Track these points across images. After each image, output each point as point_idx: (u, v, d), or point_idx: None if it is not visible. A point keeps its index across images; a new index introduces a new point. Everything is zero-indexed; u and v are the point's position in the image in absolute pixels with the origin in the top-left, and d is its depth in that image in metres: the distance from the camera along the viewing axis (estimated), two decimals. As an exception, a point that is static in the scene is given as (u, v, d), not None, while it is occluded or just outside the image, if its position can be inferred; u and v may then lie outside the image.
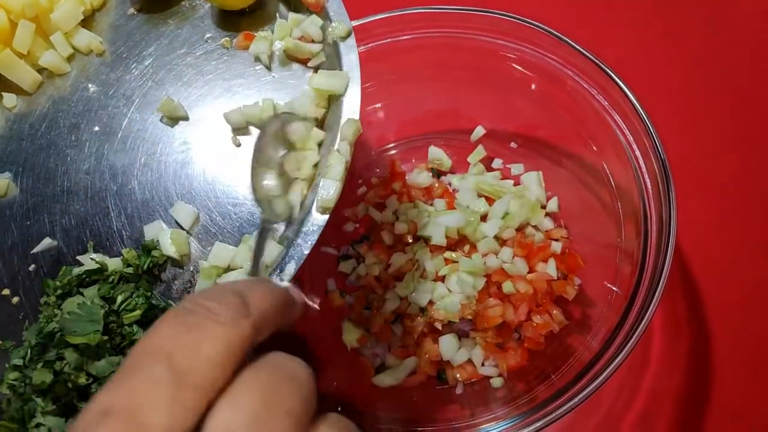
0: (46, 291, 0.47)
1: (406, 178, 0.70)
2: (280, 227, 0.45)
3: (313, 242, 0.42)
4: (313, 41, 0.49)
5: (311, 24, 0.49)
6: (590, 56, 0.57)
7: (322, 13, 0.49)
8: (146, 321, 0.44)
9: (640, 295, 0.49)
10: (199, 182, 0.49)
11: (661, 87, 0.73)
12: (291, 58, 0.50)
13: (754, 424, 0.58)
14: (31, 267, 0.49)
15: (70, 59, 0.55)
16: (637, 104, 0.54)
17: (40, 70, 0.54)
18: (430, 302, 0.59)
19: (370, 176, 0.71)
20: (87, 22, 0.55)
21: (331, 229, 0.68)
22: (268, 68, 0.50)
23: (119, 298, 0.44)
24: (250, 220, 0.47)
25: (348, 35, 0.48)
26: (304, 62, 0.50)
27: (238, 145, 0.49)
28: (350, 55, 0.48)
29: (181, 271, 0.47)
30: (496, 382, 0.58)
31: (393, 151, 0.73)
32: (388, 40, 0.64)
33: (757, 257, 0.64)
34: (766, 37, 0.76)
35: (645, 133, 0.53)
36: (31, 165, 0.52)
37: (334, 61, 0.48)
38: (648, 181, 0.53)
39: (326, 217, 0.43)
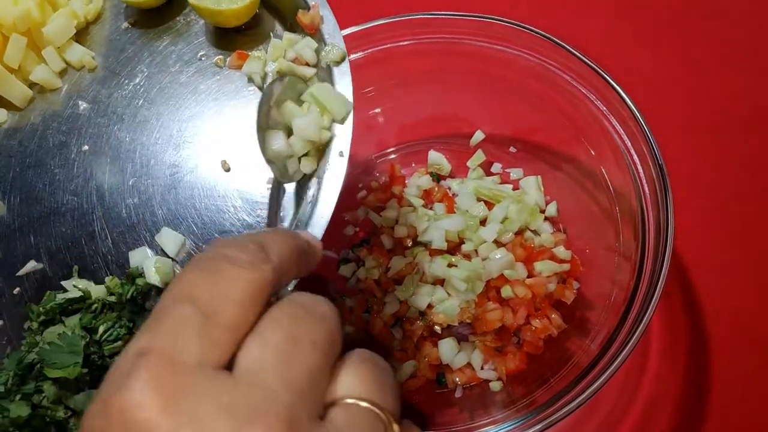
0: (30, 316, 0.46)
1: (406, 182, 0.70)
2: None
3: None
4: (307, 64, 0.48)
5: (305, 46, 0.48)
6: (588, 61, 0.57)
7: (317, 35, 0.48)
8: None
9: (638, 299, 0.50)
10: (186, 207, 0.48)
11: (658, 92, 0.73)
12: None
13: (753, 428, 0.58)
14: (16, 290, 0.48)
15: (61, 74, 0.53)
16: (635, 109, 0.54)
17: (31, 85, 0.53)
18: (430, 306, 0.59)
19: (370, 180, 0.71)
20: (80, 34, 0.54)
21: (331, 232, 0.68)
22: (261, 89, 0.49)
23: (101, 328, 0.43)
24: None
25: (342, 60, 0.46)
26: None
27: (228, 170, 0.48)
28: (344, 81, 0.46)
29: None
30: (495, 385, 0.58)
31: (393, 156, 0.73)
32: (389, 45, 0.64)
33: (754, 261, 0.64)
34: (764, 41, 0.76)
35: (643, 137, 0.54)
36: (19, 183, 0.50)
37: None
38: (645, 185, 0.53)
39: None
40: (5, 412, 0.41)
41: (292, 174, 0.44)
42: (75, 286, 0.46)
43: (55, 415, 0.41)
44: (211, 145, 0.48)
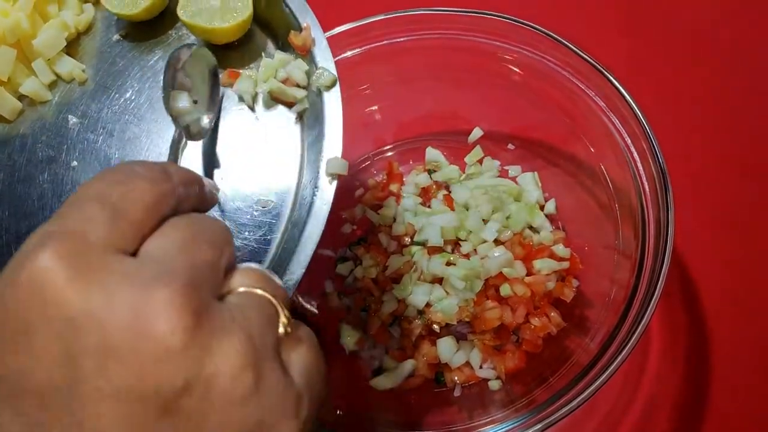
0: None
1: (404, 179, 0.70)
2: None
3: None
4: (298, 86, 0.47)
5: (296, 68, 0.47)
6: (588, 58, 0.57)
7: (308, 56, 0.48)
8: None
9: (638, 297, 0.49)
10: None
11: (659, 89, 0.73)
12: (276, 99, 0.48)
13: (753, 427, 0.58)
14: None
15: (51, 86, 0.52)
16: (635, 106, 0.54)
17: (21, 97, 0.52)
18: (428, 304, 0.59)
19: (368, 178, 0.71)
20: (71, 46, 0.53)
21: (328, 231, 0.68)
22: (252, 109, 0.49)
23: None
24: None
25: (333, 85, 0.46)
26: (289, 105, 0.48)
27: (217, 190, 0.47)
28: (334, 106, 0.46)
29: None
30: (494, 384, 0.58)
31: (390, 153, 0.73)
32: (386, 41, 0.64)
33: (755, 259, 0.64)
34: (766, 38, 0.76)
35: (643, 135, 0.53)
36: (8, 198, 0.49)
37: (317, 109, 0.47)
38: (646, 182, 0.53)
39: (300, 273, 0.42)
40: None
41: (195, 134, 0.46)
42: None
43: None
44: (199, 166, 0.48)
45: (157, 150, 0.49)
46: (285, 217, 0.46)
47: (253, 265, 0.33)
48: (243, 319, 0.28)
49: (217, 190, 0.39)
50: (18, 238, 0.48)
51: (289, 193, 0.46)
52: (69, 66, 0.52)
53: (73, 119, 0.51)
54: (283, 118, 0.48)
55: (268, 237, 0.46)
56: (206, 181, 0.36)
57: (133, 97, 0.51)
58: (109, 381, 0.25)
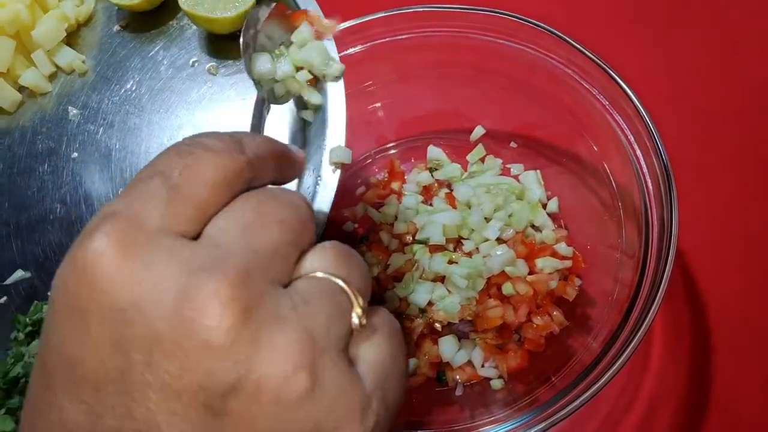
0: (17, 326, 0.45)
1: (405, 178, 0.69)
2: None
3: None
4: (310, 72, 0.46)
5: (313, 50, 0.46)
6: (591, 56, 0.56)
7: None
8: None
9: (641, 297, 0.49)
10: None
11: (663, 87, 0.73)
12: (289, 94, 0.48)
13: (755, 427, 0.57)
14: (3, 299, 0.47)
15: (51, 78, 0.52)
16: (639, 104, 0.53)
17: (21, 89, 0.52)
18: (430, 303, 0.59)
19: (369, 176, 0.70)
20: (71, 37, 0.53)
21: (329, 229, 0.68)
22: (267, 99, 0.47)
23: None
24: None
25: (341, 76, 0.46)
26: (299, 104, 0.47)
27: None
28: (337, 96, 0.45)
29: None
30: (496, 383, 0.58)
31: (392, 151, 0.72)
32: (388, 39, 0.64)
33: (760, 258, 0.64)
34: None
35: (646, 133, 0.53)
36: (8, 190, 0.50)
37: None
38: (649, 181, 0.53)
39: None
40: None
41: (279, 97, 0.44)
42: None
43: None
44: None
45: (158, 141, 0.49)
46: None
47: (336, 243, 0.30)
48: (306, 310, 0.26)
49: (301, 154, 0.36)
50: (18, 229, 0.48)
51: (292, 184, 0.46)
52: (69, 57, 0.52)
53: (73, 110, 0.51)
54: (286, 106, 0.48)
55: None
56: (292, 148, 0.34)
57: (134, 88, 0.51)
58: (155, 374, 0.24)
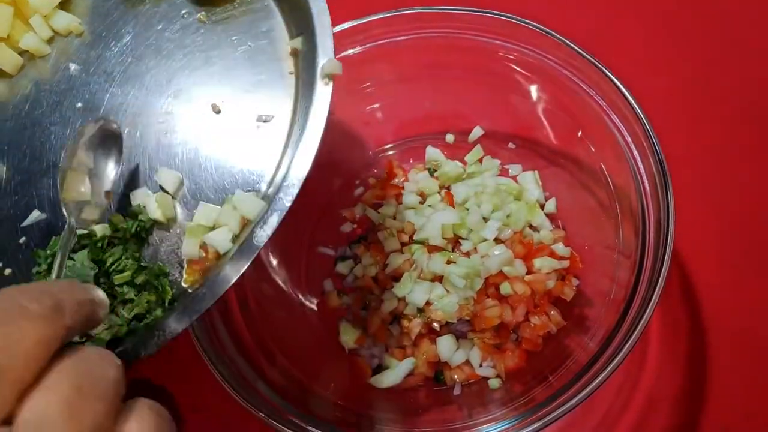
0: (37, 261, 0.48)
1: (404, 178, 0.69)
2: (262, 186, 0.47)
3: (294, 195, 0.43)
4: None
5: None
6: (589, 57, 0.57)
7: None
8: (136, 283, 0.46)
9: (638, 297, 0.49)
10: (181, 150, 0.50)
11: (660, 88, 0.73)
12: None
13: (752, 426, 0.58)
14: (22, 240, 0.50)
15: (50, 41, 0.56)
16: (636, 105, 0.54)
17: (21, 53, 0.55)
18: (428, 303, 0.59)
19: (368, 177, 0.71)
20: (65, 4, 0.56)
21: (328, 229, 0.68)
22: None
23: (109, 261, 0.46)
24: (232, 181, 0.49)
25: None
26: None
27: (218, 111, 0.51)
28: (321, 11, 0.47)
29: (167, 234, 0.49)
30: (494, 383, 0.58)
31: (391, 152, 0.73)
32: (387, 40, 0.64)
33: (755, 258, 0.64)
34: (767, 36, 0.76)
35: (643, 134, 0.53)
36: (16, 144, 0.53)
37: (305, 20, 0.48)
38: (646, 182, 0.53)
39: (305, 173, 0.43)
40: None
41: (84, 218, 0.46)
42: (79, 225, 0.48)
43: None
44: (201, 91, 0.52)
45: (158, 83, 0.53)
46: (287, 125, 0.48)
47: (148, 403, 0.31)
48: None
49: (106, 302, 0.36)
50: (30, 177, 0.52)
51: (288, 103, 0.49)
52: (65, 20, 0.55)
53: (73, 66, 0.54)
54: (270, 55, 0.51)
55: (272, 144, 0.48)
56: (97, 294, 0.34)
57: (130, 42, 0.55)
58: None
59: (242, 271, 0.42)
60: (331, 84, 0.45)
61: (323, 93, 0.45)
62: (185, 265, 0.47)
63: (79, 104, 0.53)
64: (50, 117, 0.53)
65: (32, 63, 0.55)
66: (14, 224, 0.51)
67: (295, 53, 0.50)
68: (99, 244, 0.47)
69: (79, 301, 0.31)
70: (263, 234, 0.42)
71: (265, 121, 0.49)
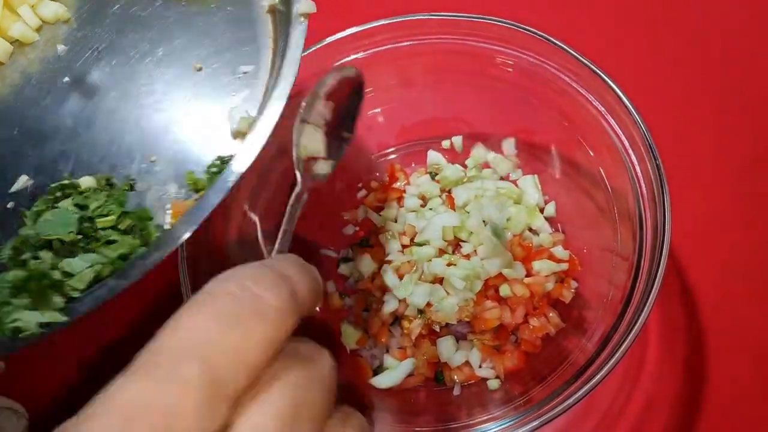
0: (25, 221, 0.48)
1: (406, 181, 0.70)
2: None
3: (270, 131, 0.43)
4: None
5: None
6: (587, 62, 0.57)
7: None
8: (120, 229, 0.47)
9: (635, 298, 0.50)
10: (164, 107, 0.53)
11: (657, 92, 0.74)
12: None
13: (751, 427, 0.58)
14: (10, 204, 0.51)
15: (39, 30, 0.59)
16: (633, 109, 0.54)
17: (12, 42, 0.58)
18: (428, 304, 0.60)
19: (370, 180, 0.71)
20: None
21: (331, 232, 0.69)
22: None
23: (92, 205, 0.47)
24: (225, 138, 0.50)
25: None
26: None
27: (199, 68, 0.53)
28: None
29: (153, 179, 0.50)
30: (493, 383, 0.59)
31: (393, 156, 0.73)
32: (389, 45, 0.65)
33: (753, 260, 0.64)
34: (764, 41, 0.76)
35: (641, 137, 0.54)
36: (16, 122, 0.55)
37: None
38: (643, 185, 0.54)
39: (282, 103, 0.44)
40: (4, 284, 0.42)
41: (318, 173, 0.46)
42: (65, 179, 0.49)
43: (51, 277, 0.43)
44: (183, 54, 0.55)
45: (144, 50, 0.55)
46: (266, 73, 0.51)
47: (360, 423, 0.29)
48: None
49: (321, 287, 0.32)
50: (19, 147, 0.53)
51: (268, 54, 0.51)
52: (52, 8, 0.58)
53: (61, 47, 0.57)
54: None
55: (254, 92, 0.50)
56: (317, 273, 0.31)
57: (116, 20, 0.58)
58: None
59: (217, 203, 0.40)
60: (305, 22, 0.47)
61: (298, 30, 0.47)
62: (170, 209, 0.48)
63: (67, 78, 0.56)
64: (39, 94, 0.56)
65: (21, 50, 0.58)
66: (2, 190, 0.52)
67: (272, 10, 0.53)
68: (84, 194, 0.48)
69: (310, 286, 0.28)
70: (237, 168, 0.41)
71: (245, 73, 0.52)
